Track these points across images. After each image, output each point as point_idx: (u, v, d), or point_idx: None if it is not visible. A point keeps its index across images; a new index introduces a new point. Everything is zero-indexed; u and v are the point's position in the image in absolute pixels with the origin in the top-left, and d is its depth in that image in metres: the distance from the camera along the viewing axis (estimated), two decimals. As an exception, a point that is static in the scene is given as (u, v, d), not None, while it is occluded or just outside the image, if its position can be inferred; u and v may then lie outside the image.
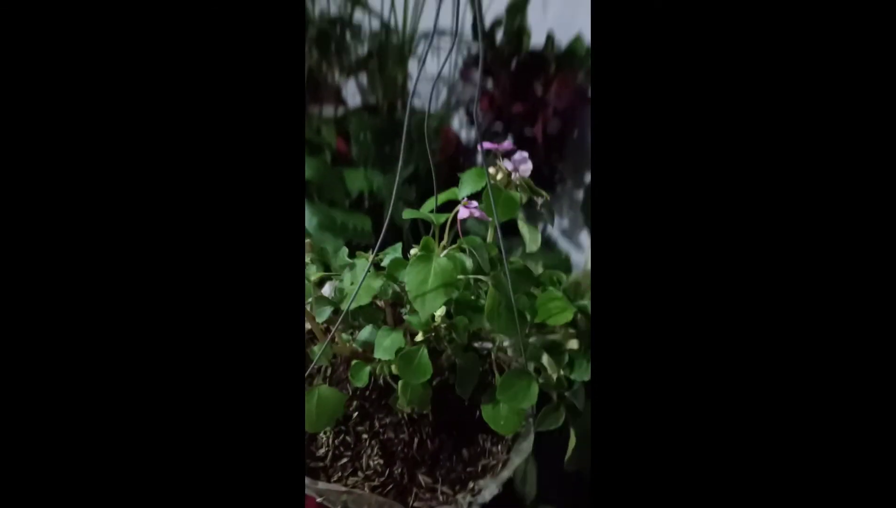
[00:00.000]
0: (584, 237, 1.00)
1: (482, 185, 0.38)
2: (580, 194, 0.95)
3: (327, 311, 0.40)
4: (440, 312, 0.39)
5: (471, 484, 0.42)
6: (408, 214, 0.42)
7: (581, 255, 1.03)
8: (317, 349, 0.40)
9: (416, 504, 0.40)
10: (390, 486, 0.41)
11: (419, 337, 0.39)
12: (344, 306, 0.39)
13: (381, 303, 0.42)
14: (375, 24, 1.07)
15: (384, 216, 0.39)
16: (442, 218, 0.40)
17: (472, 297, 0.39)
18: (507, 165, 0.40)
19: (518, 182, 0.40)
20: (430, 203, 0.41)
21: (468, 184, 0.39)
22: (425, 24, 1.01)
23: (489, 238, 0.42)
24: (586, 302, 0.44)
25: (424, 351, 0.38)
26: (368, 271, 0.38)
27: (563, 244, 1.05)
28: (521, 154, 0.40)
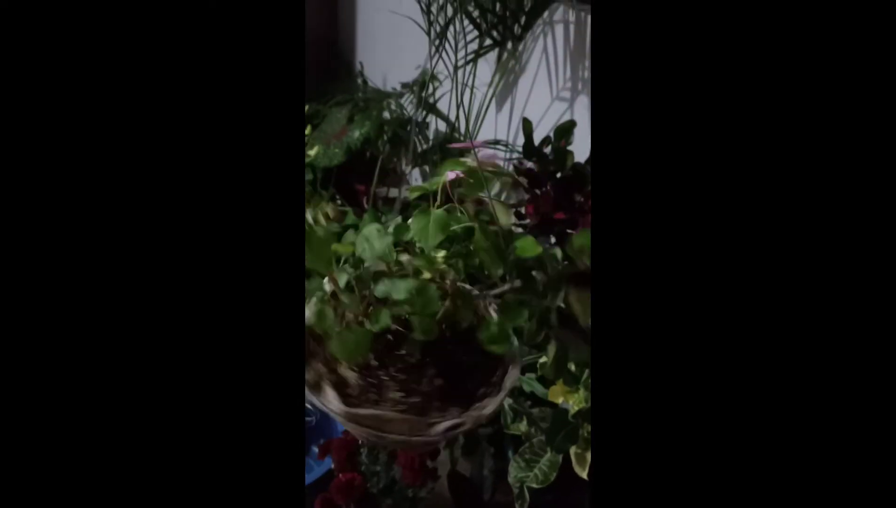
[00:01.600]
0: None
1: (461, 168, 0.51)
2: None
3: (345, 276, 0.50)
4: (440, 255, 0.49)
5: (475, 404, 0.51)
6: (413, 190, 0.54)
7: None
8: (345, 299, 0.49)
9: (433, 420, 0.49)
10: (410, 410, 0.50)
11: (425, 275, 0.49)
12: (360, 270, 0.48)
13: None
14: (442, 125, 1.24)
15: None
16: (436, 185, 0.51)
17: (468, 246, 0.50)
18: (480, 155, 0.54)
19: (487, 168, 0.53)
20: (429, 183, 0.53)
21: (450, 166, 0.52)
22: (486, 132, 1.16)
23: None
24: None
25: (433, 287, 0.48)
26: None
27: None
28: (487, 151, 0.54)
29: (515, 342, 0.54)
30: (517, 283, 0.53)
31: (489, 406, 0.52)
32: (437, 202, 0.53)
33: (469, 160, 0.52)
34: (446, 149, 1.15)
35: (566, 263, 0.52)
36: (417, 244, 0.49)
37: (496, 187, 1.23)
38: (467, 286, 0.54)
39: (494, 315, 0.54)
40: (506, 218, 0.56)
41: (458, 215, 0.50)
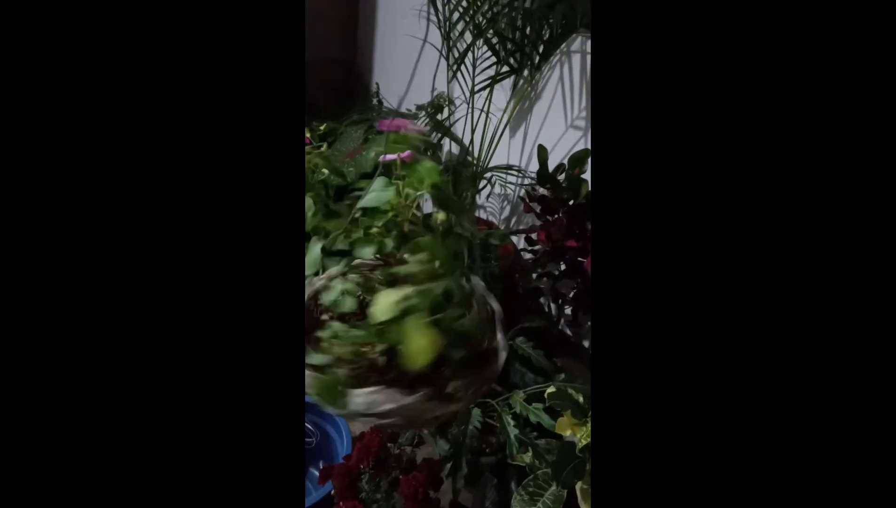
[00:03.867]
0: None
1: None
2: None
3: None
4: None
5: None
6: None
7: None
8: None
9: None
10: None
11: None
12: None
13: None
14: (455, 148, 1.24)
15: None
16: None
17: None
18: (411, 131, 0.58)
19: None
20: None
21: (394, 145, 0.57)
22: (498, 159, 1.17)
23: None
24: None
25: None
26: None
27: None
28: (409, 123, 0.57)
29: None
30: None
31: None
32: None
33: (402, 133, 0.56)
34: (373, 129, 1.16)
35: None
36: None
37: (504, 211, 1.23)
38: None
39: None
40: (472, 226, 0.60)
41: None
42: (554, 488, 0.78)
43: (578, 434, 0.80)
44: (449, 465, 0.80)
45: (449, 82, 1.16)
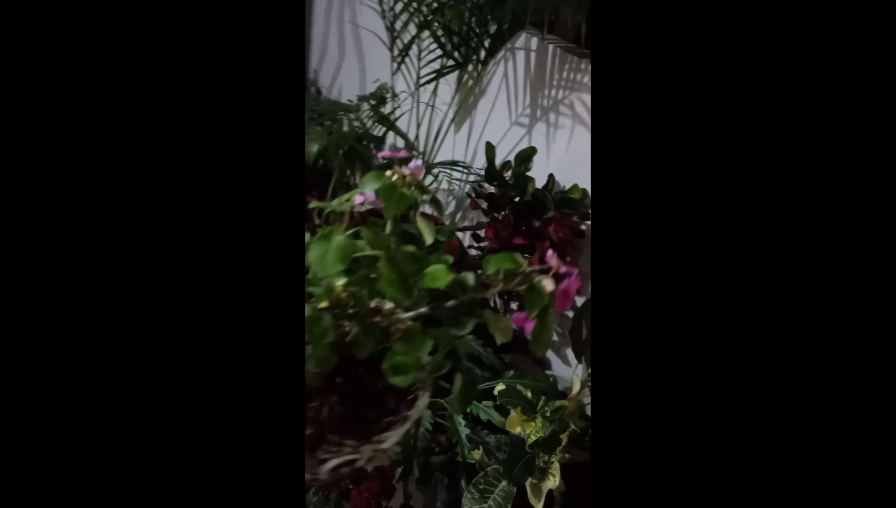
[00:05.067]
0: (570, 354, 1.08)
1: (382, 184, 0.47)
2: (569, 314, 1.05)
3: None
4: (340, 283, 0.46)
5: (374, 437, 0.47)
6: (313, 204, 0.50)
7: (568, 369, 1.11)
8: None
9: (324, 456, 0.45)
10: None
11: (323, 304, 0.46)
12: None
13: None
14: (401, 142, 1.21)
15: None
16: (345, 206, 0.48)
17: (372, 275, 0.46)
18: (405, 170, 0.47)
19: (411, 183, 0.47)
20: (339, 200, 0.49)
21: (369, 183, 0.47)
22: (443, 155, 1.15)
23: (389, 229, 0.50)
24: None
25: (328, 316, 0.45)
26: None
27: (551, 356, 1.13)
28: (415, 162, 0.48)
29: (421, 373, 0.51)
30: (423, 310, 0.50)
31: (390, 439, 0.49)
32: (345, 225, 0.49)
33: (394, 173, 0.48)
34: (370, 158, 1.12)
35: (476, 288, 0.49)
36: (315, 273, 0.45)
37: (424, 206, 1.22)
38: (375, 311, 0.52)
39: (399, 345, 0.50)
40: (429, 235, 0.52)
41: (362, 241, 0.46)
42: (504, 484, 0.79)
43: (528, 430, 0.81)
44: (400, 469, 0.78)
45: (393, 74, 1.13)
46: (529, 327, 0.42)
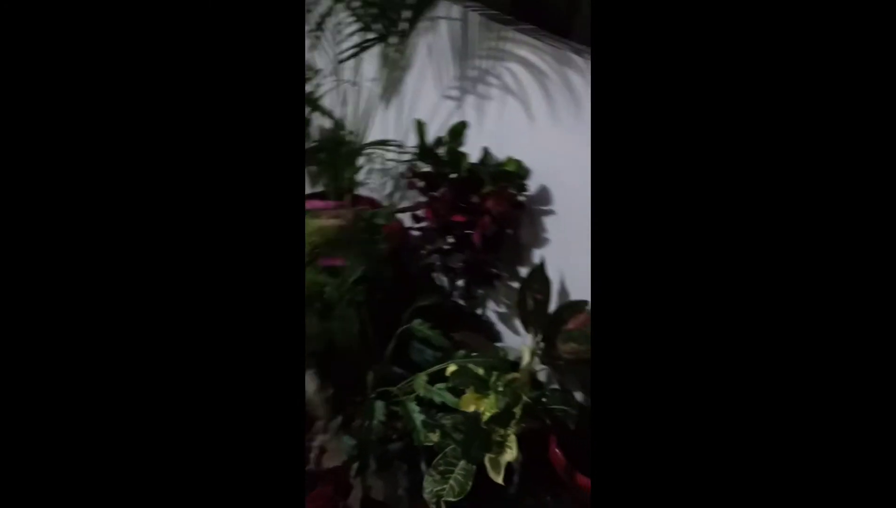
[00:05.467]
0: (518, 323, 1.09)
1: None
2: (515, 285, 1.05)
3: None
4: None
5: None
6: None
7: (516, 338, 1.13)
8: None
9: None
10: None
11: None
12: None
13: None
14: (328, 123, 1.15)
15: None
16: None
17: None
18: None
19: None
20: None
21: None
22: (375, 134, 1.11)
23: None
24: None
25: None
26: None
27: (500, 327, 1.14)
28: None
29: None
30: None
31: None
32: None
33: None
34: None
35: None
36: None
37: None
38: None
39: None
40: None
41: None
42: (463, 463, 0.80)
43: (482, 408, 0.82)
44: (356, 465, 0.77)
45: (311, 51, 1.06)
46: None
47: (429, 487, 0.78)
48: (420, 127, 0.94)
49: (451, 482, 0.79)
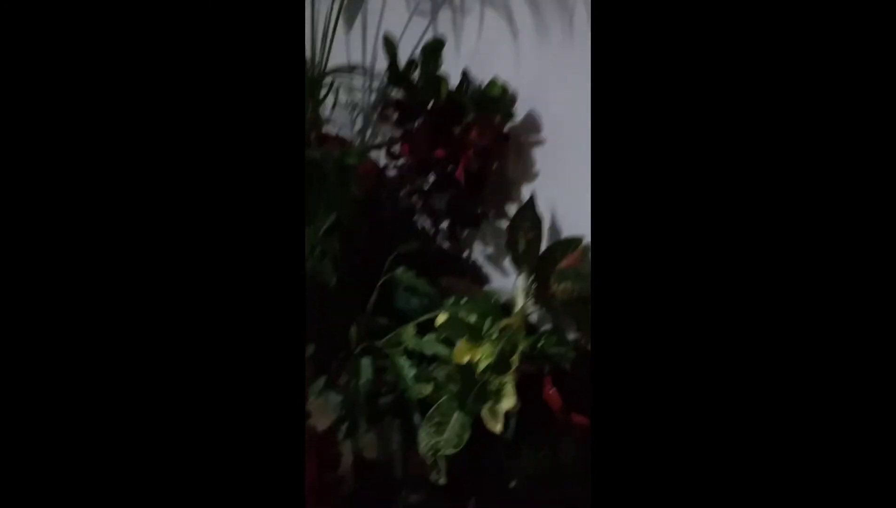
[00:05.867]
0: (508, 264, 1.04)
1: None
2: (503, 224, 0.99)
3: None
4: None
5: None
6: None
7: (507, 280, 1.08)
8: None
9: None
10: None
11: None
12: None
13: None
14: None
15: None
16: None
17: None
18: None
19: None
20: None
21: None
22: (337, 60, 0.98)
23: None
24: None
25: None
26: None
27: (489, 270, 1.08)
28: None
29: None
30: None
31: None
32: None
33: None
34: None
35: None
36: None
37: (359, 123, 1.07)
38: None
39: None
40: None
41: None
42: (458, 413, 0.76)
43: (477, 358, 0.77)
44: (344, 426, 0.72)
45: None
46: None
47: (424, 441, 0.75)
48: (390, 46, 0.82)
49: (448, 432, 0.75)
